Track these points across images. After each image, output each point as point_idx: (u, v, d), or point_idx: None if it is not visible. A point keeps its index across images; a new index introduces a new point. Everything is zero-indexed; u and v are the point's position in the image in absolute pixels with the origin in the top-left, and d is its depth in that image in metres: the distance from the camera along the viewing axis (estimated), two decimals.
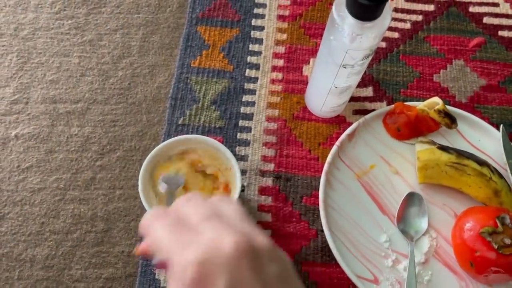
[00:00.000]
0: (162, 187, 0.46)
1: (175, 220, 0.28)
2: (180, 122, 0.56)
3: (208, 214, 0.28)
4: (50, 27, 0.62)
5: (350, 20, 0.39)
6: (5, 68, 0.59)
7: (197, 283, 0.24)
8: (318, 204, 0.51)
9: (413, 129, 0.53)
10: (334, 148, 0.52)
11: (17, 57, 0.60)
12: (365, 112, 0.56)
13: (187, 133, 0.55)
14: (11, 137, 0.55)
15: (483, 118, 0.56)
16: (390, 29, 0.62)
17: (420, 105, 0.53)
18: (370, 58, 0.44)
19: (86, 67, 0.59)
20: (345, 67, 0.44)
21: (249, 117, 0.57)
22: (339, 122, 0.56)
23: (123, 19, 0.63)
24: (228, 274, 0.24)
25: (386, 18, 0.39)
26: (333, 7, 0.40)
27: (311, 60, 0.60)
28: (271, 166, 0.54)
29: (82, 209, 0.52)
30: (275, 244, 0.27)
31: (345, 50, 0.41)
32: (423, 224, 0.50)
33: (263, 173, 0.54)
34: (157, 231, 0.27)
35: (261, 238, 0.27)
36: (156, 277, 0.49)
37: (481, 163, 0.49)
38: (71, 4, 0.63)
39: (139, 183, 0.45)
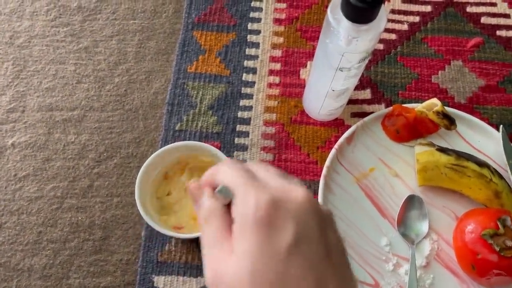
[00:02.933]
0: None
1: (247, 170, 0.27)
2: (177, 128, 0.56)
3: (278, 174, 0.28)
4: (46, 34, 0.62)
5: (345, 23, 0.39)
6: (1, 76, 0.59)
7: (265, 223, 0.24)
8: None
9: (412, 131, 0.53)
10: (333, 151, 0.51)
11: (13, 65, 0.59)
12: (364, 114, 0.55)
13: (185, 139, 0.55)
14: (7, 146, 0.55)
15: (482, 119, 0.55)
16: (387, 30, 0.62)
17: (418, 106, 0.52)
18: (366, 60, 0.44)
19: (82, 74, 0.59)
20: (341, 70, 0.44)
21: (247, 121, 0.56)
22: (337, 125, 0.56)
23: (118, 25, 0.62)
24: (297, 225, 0.24)
25: (381, 20, 0.39)
26: (328, 10, 0.40)
27: (308, 63, 0.60)
28: None
29: (79, 217, 0.52)
30: None
31: (341, 53, 0.41)
32: (423, 227, 0.49)
33: None
34: (231, 172, 0.27)
35: (325, 207, 0.27)
36: (155, 285, 0.48)
37: (481, 164, 0.49)
38: (66, 12, 0.63)
39: (136, 190, 0.44)
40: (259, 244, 0.24)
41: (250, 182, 0.26)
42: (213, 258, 0.26)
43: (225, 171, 0.28)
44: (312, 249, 0.24)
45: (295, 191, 0.25)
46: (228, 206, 0.28)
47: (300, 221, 0.24)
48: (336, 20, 0.39)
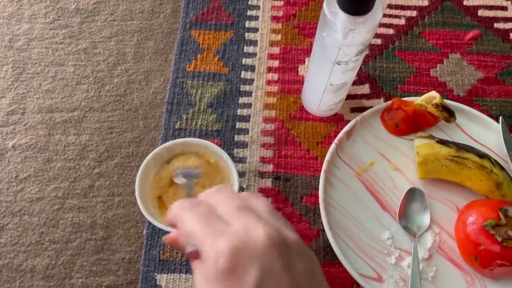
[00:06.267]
0: (178, 180, 0.46)
1: (206, 211, 0.27)
2: (177, 126, 0.56)
3: (239, 206, 0.27)
4: (45, 37, 0.62)
5: (341, 15, 0.39)
6: (1, 79, 0.59)
7: (229, 273, 0.24)
8: (318, 204, 0.50)
9: (411, 124, 0.53)
10: (333, 146, 0.51)
11: (13, 68, 0.60)
12: (363, 109, 0.55)
13: (184, 137, 0.55)
14: (8, 148, 0.55)
15: (482, 111, 0.55)
16: (385, 25, 0.62)
17: (417, 100, 0.52)
18: (364, 54, 0.44)
19: (81, 76, 0.59)
20: (339, 64, 0.44)
21: (246, 119, 0.56)
22: (336, 120, 0.56)
23: (117, 26, 0.63)
24: (260, 266, 0.24)
25: (377, 12, 0.39)
26: (324, 4, 0.40)
27: (306, 59, 0.60)
28: (269, 167, 0.54)
29: (81, 217, 0.52)
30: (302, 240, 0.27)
31: (338, 46, 0.41)
32: (425, 219, 0.49)
33: (262, 175, 0.53)
34: (188, 221, 0.27)
35: (291, 233, 0.27)
36: (158, 283, 0.48)
37: (482, 155, 0.48)
38: (64, 14, 0.63)
39: (136, 188, 0.44)
40: None
41: (207, 233, 0.26)
42: None
43: (183, 222, 0.27)
44: (279, 285, 0.24)
45: (255, 232, 0.25)
46: None
47: (263, 262, 0.24)
48: (332, 13, 0.39)
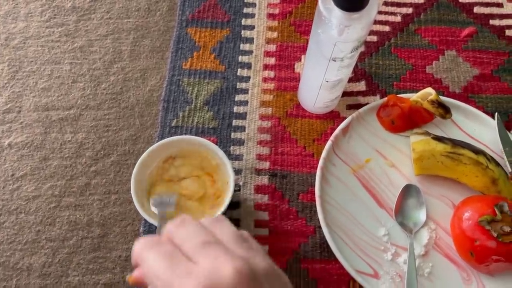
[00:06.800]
0: (154, 209, 0.45)
1: (169, 249, 0.26)
2: (173, 124, 0.56)
3: (204, 240, 0.26)
4: (41, 35, 0.62)
5: (337, 12, 0.39)
6: None
7: None
8: (315, 201, 0.50)
9: (407, 121, 0.53)
10: (329, 143, 0.52)
11: (9, 66, 0.60)
12: (359, 106, 0.55)
13: (181, 135, 0.55)
14: (4, 146, 0.55)
15: (477, 107, 0.55)
16: (381, 22, 0.62)
17: (413, 96, 0.52)
18: (359, 50, 0.44)
19: (77, 74, 0.59)
20: (334, 60, 0.44)
21: (243, 116, 0.56)
22: (333, 117, 0.56)
23: (113, 24, 0.63)
24: None
25: (372, 8, 0.39)
26: (320, 0, 0.40)
27: (303, 57, 0.60)
28: (266, 164, 0.54)
29: (77, 215, 0.52)
30: (273, 262, 0.27)
31: (334, 42, 0.41)
32: (421, 216, 0.49)
33: (258, 172, 0.53)
34: (152, 261, 0.26)
35: (259, 260, 0.26)
36: None
37: (477, 151, 0.49)
38: (60, 12, 0.63)
39: (132, 186, 0.44)
40: None
41: (176, 273, 0.25)
42: None
43: (145, 264, 0.26)
44: None
45: (224, 266, 0.24)
46: None
47: None
48: (327, 10, 0.39)
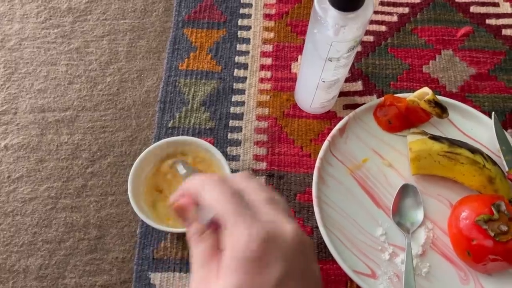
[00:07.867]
0: (180, 169, 0.44)
1: (235, 192, 0.27)
2: (170, 125, 0.56)
3: (269, 198, 0.27)
4: (37, 36, 0.62)
5: (332, 12, 0.39)
6: None
7: (256, 259, 0.24)
8: (312, 201, 0.50)
9: (404, 120, 0.53)
10: (326, 143, 0.51)
11: (4, 68, 0.59)
12: (356, 106, 0.55)
13: (177, 136, 0.55)
14: (0, 148, 0.55)
15: (474, 107, 0.55)
16: (377, 22, 0.62)
17: (410, 96, 0.52)
18: (355, 50, 0.44)
19: (74, 75, 0.59)
20: (331, 60, 0.44)
21: (239, 117, 0.56)
22: (330, 117, 0.56)
23: (109, 25, 0.62)
24: (285, 261, 0.24)
25: (368, 8, 0.39)
26: (315, 0, 0.40)
27: (299, 57, 0.60)
28: (263, 165, 0.53)
29: (74, 217, 0.51)
30: None
31: (330, 42, 0.41)
32: (418, 215, 0.49)
33: (255, 172, 0.53)
34: (217, 194, 0.26)
35: (307, 238, 0.27)
36: (151, 282, 0.48)
37: (474, 151, 0.49)
38: (56, 13, 0.63)
39: (129, 187, 0.44)
40: (248, 279, 0.24)
41: (240, 211, 0.25)
42: (200, 278, 0.26)
43: (210, 192, 0.27)
44: (298, 286, 0.25)
45: (285, 227, 0.25)
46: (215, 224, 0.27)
47: (288, 258, 0.25)
48: (323, 10, 0.39)
